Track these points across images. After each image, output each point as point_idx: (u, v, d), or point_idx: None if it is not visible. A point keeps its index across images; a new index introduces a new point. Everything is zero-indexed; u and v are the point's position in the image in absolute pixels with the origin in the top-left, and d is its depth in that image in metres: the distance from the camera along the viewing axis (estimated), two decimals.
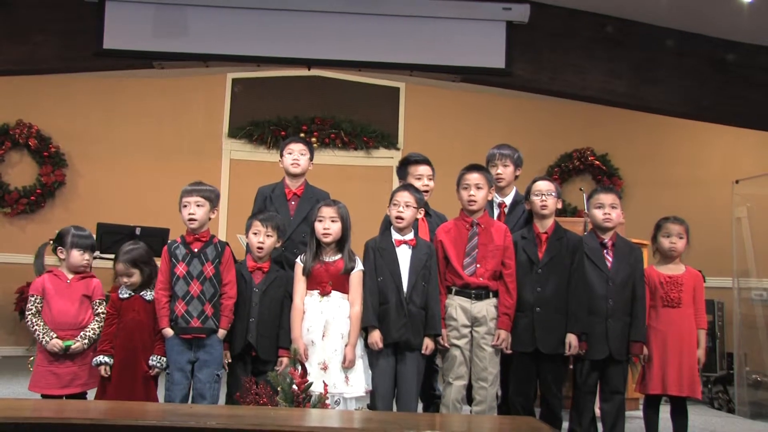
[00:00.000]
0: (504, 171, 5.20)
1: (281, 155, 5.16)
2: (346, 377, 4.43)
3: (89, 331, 4.56)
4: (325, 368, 4.39)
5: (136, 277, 4.57)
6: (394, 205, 4.64)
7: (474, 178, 4.73)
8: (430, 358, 4.76)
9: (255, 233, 4.61)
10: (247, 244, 4.72)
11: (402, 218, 4.61)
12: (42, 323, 4.54)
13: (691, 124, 8.35)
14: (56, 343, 4.48)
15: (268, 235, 4.60)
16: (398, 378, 4.55)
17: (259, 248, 4.59)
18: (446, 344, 4.59)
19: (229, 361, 4.55)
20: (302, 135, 9.11)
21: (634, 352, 4.73)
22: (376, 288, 4.55)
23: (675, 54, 7.07)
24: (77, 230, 4.74)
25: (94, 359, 4.47)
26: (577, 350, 4.60)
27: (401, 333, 4.50)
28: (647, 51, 7.10)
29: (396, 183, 5.31)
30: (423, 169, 5.12)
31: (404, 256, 4.60)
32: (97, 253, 4.92)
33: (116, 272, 4.60)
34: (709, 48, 7.10)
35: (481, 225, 4.71)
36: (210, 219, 4.63)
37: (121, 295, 4.56)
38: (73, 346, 4.50)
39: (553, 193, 4.74)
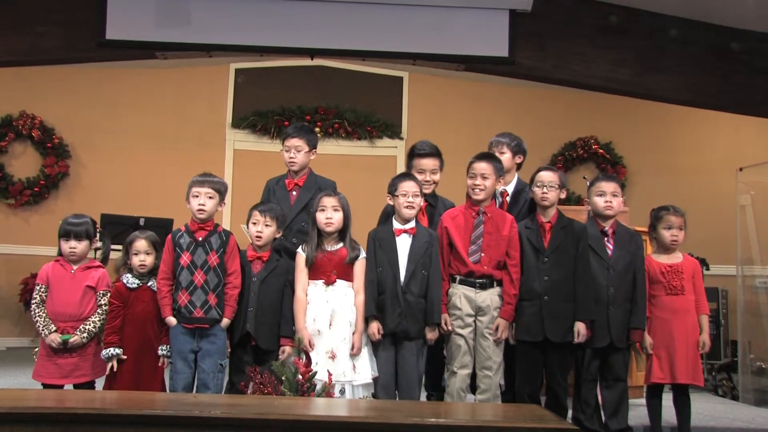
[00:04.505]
0: (500, 157, 5.18)
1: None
2: (354, 365, 4.45)
3: (89, 324, 4.52)
4: (332, 357, 4.42)
5: (153, 258, 4.60)
6: (403, 195, 4.63)
7: (481, 167, 4.73)
8: (440, 348, 4.75)
9: (254, 223, 4.64)
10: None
11: (413, 207, 4.63)
12: (44, 314, 4.52)
13: (695, 112, 8.33)
14: (54, 338, 4.47)
15: (266, 225, 4.61)
16: (399, 367, 4.56)
17: (257, 237, 4.61)
18: (449, 328, 4.59)
19: (230, 350, 4.56)
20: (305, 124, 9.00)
21: (634, 340, 4.74)
22: (376, 278, 4.57)
23: (679, 42, 7.03)
24: (69, 218, 4.71)
25: (103, 352, 4.47)
26: (585, 338, 4.61)
27: (397, 323, 4.51)
28: (651, 39, 7.07)
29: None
30: (426, 164, 5.05)
31: (403, 245, 4.61)
32: (99, 244, 4.87)
33: (134, 249, 4.59)
34: (713, 36, 7.06)
35: (487, 214, 4.71)
36: (217, 211, 4.65)
37: (129, 285, 4.57)
38: (71, 341, 4.48)
39: (556, 185, 4.72)
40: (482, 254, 4.64)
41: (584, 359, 4.73)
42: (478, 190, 4.71)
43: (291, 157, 5.05)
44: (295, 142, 5.05)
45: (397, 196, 4.66)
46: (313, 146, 5.12)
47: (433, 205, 5.06)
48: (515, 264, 4.66)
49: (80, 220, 4.70)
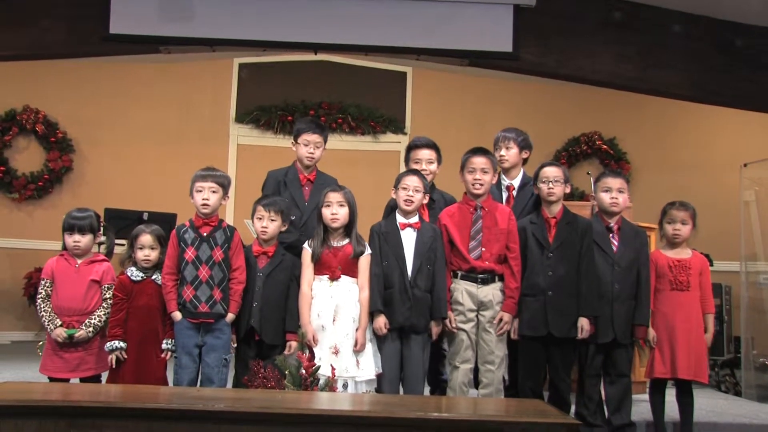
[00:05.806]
0: (507, 153, 5.21)
1: (295, 140, 5.08)
2: (357, 361, 4.45)
3: (95, 319, 4.55)
4: (336, 352, 4.41)
5: (157, 252, 4.60)
6: (403, 189, 4.64)
7: (480, 162, 4.74)
8: (437, 342, 4.76)
9: (259, 218, 4.63)
10: None
11: (412, 201, 4.61)
12: (49, 309, 4.54)
13: (699, 107, 8.32)
14: (60, 333, 4.48)
15: (271, 220, 4.60)
16: (404, 361, 4.57)
17: (263, 232, 4.61)
18: (453, 327, 4.60)
19: (235, 345, 4.57)
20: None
21: (638, 336, 4.75)
22: (381, 272, 4.57)
23: (683, 37, 7.03)
24: (73, 212, 4.72)
25: (107, 344, 4.48)
26: (589, 334, 4.61)
27: (406, 317, 4.52)
28: (655, 34, 7.07)
29: (403, 168, 5.29)
30: (422, 154, 5.08)
31: (409, 239, 4.61)
32: (102, 238, 4.88)
33: (139, 243, 4.59)
34: (717, 31, 7.06)
35: (485, 208, 4.72)
36: (221, 205, 4.64)
37: (133, 278, 4.57)
38: (76, 335, 4.50)
39: (561, 180, 4.72)
40: (483, 249, 4.64)
41: (588, 355, 4.73)
42: (478, 185, 4.72)
43: (311, 152, 5.02)
44: (315, 138, 5.04)
45: (399, 189, 4.67)
46: (325, 143, 5.13)
47: (434, 198, 5.06)
48: (516, 257, 4.67)
49: (84, 214, 4.70)
